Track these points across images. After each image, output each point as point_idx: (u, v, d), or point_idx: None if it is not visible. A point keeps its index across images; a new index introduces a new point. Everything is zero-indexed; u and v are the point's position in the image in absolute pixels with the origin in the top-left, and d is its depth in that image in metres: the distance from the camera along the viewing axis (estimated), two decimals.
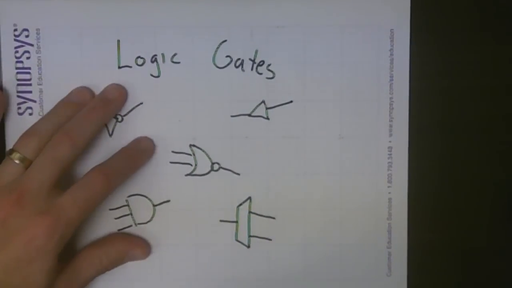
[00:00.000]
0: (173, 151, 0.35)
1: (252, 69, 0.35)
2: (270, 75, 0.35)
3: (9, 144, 0.35)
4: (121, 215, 0.36)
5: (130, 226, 0.36)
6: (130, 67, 0.35)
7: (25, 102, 0.35)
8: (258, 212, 0.36)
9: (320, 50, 0.35)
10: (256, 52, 0.35)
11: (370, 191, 0.36)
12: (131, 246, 0.35)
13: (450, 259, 0.36)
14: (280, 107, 0.35)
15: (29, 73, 0.35)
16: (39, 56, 0.35)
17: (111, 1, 0.35)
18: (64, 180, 0.32)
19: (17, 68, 0.35)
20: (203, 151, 0.35)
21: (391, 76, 0.35)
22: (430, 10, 0.35)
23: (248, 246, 0.36)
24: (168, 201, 0.36)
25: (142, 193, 0.36)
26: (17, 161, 0.31)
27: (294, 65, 0.35)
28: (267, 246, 0.36)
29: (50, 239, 0.30)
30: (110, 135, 0.35)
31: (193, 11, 0.35)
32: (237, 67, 0.35)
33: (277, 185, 0.36)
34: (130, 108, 0.35)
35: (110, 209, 0.36)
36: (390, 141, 0.35)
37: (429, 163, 0.36)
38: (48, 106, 0.35)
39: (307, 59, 0.35)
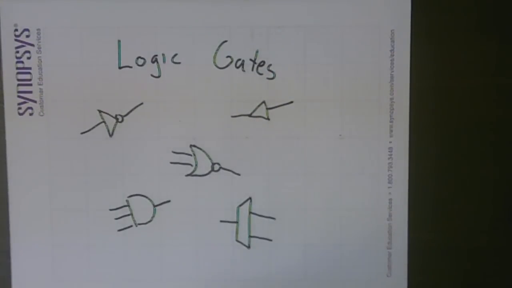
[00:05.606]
0: (173, 152, 0.35)
1: (252, 70, 0.35)
2: (271, 75, 0.35)
3: (10, 145, 0.34)
4: (121, 215, 0.36)
5: (131, 226, 0.36)
6: (131, 67, 0.35)
7: (25, 102, 0.35)
8: (258, 213, 0.36)
9: (320, 50, 0.35)
10: (257, 52, 0.35)
11: (370, 192, 0.36)
12: None
13: (450, 259, 0.36)
14: (281, 107, 0.35)
15: (29, 73, 0.35)
16: (40, 56, 0.35)
17: (111, 1, 0.35)
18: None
19: (17, 68, 0.35)
20: (204, 151, 0.35)
21: (392, 76, 0.35)
22: (430, 10, 0.35)
23: (248, 247, 0.36)
24: (169, 201, 0.36)
25: (143, 194, 0.36)
26: None
27: (295, 65, 0.35)
28: (267, 247, 0.36)
29: None
30: (111, 135, 0.35)
31: (193, 11, 0.35)
32: (237, 67, 0.35)
33: (277, 185, 0.36)
34: (130, 108, 0.35)
35: (110, 210, 0.35)
36: (390, 142, 0.35)
37: (429, 163, 0.36)
38: (48, 106, 0.35)
39: (307, 59, 0.35)
